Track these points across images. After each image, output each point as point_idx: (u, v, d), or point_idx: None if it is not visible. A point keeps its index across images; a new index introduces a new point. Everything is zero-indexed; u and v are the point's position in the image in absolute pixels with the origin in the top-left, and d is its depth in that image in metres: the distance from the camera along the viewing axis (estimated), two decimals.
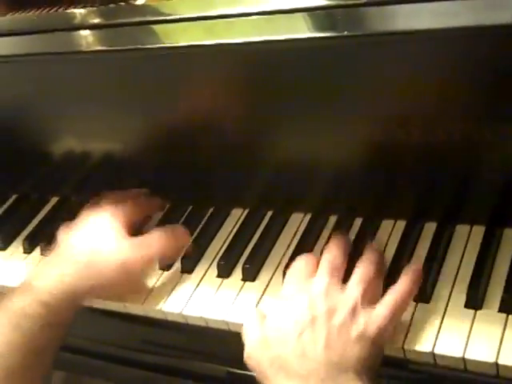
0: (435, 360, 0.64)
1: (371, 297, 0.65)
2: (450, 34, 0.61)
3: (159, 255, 0.79)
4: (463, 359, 0.62)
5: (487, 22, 0.59)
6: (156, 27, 0.78)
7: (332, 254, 0.70)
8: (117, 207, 0.82)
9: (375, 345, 0.62)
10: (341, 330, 0.62)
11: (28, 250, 0.93)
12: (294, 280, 0.70)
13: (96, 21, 0.83)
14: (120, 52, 0.78)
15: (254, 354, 0.65)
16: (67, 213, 0.97)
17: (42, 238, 0.92)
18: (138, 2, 0.91)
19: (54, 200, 1.03)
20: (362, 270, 0.68)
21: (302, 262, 0.71)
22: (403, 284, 0.66)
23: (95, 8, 0.95)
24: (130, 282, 0.78)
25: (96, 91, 0.85)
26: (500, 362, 0.61)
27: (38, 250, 0.93)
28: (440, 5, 0.61)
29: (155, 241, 0.79)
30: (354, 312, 0.63)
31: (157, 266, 0.82)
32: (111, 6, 0.94)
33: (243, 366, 0.74)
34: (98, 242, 0.78)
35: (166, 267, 0.82)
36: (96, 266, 0.76)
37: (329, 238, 0.79)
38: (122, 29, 0.79)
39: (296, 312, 0.64)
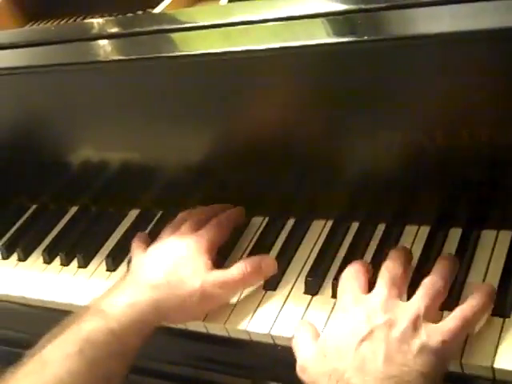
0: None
1: (435, 314, 0.63)
2: (471, 37, 0.60)
3: (242, 288, 0.76)
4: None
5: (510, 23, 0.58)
6: (174, 35, 0.78)
7: (392, 265, 0.68)
8: (202, 235, 0.79)
9: (438, 359, 0.59)
10: (401, 342, 0.59)
11: (48, 260, 0.93)
12: (348, 291, 0.67)
13: (114, 30, 0.82)
14: (139, 61, 0.77)
15: (309, 367, 0.63)
16: (87, 223, 0.98)
17: (62, 248, 0.92)
18: (155, 11, 0.91)
19: (73, 210, 1.02)
20: (431, 282, 0.65)
21: (353, 271, 0.69)
22: (475, 300, 0.63)
23: (113, 18, 0.96)
24: (208, 309, 0.75)
25: (116, 101, 0.85)
26: None
27: (58, 260, 0.92)
28: (460, 7, 0.61)
29: (240, 276, 0.74)
30: (415, 324, 0.60)
31: None
32: (129, 15, 0.95)
33: None
34: (179, 270, 0.74)
35: None
36: (173, 295, 0.72)
37: (350, 245, 0.78)
38: (140, 37, 0.79)
39: (353, 324, 0.62)
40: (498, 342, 0.62)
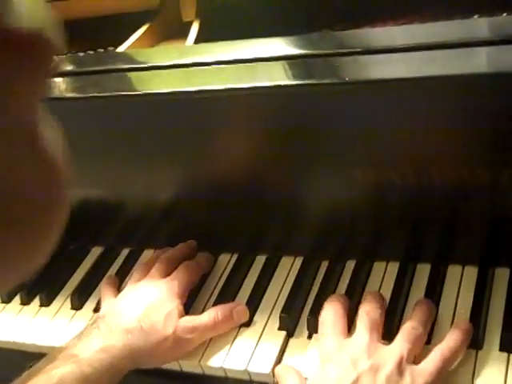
0: None
1: (416, 356, 0.64)
2: (422, 83, 0.64)
3: (213, 334, 0.76)
4: None
5: (458, 71, 0.62)
6: (131, 74, 0.78)
7: (370, 309, 0.69)
8: (173, 279, 0.79)
9: None
10: None
11: (6, 300, 0.90)
12: (330, 337, 0.68)
13: (69, 68, 0.82)
14: (93, 99, 0.78)
15: None
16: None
17: (22, 287, 0.89)
18: (119, 49, 0.91)
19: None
20: (411, 326, 0.66)
21: (332, 314, 0.70)
22: (451, 339, 0.65)
23: (69, 55, 0.95)
24: (180, 354, 0.75)
25: (73, 138, 0.84)
26: None
27: (17, 299, 0.90)
28: (413, 54, 0.64)
29: (211, 323, 0.75)
30: (399, 368, 0.61)
31: None
32: (89, 52, 0.96)
33: None
34: (152, 315, 0.74)
35: None
36: (146, 340, 0.72)
37: (322, 281, 0.79)
38: (97, 76, 0.79)
39: (340, 372, 0.63)
40: (474, 374, 0.64)
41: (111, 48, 0.96)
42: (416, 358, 0.65)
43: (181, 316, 0.75)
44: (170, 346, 0.73)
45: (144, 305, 0.75)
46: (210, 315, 0.75)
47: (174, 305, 0.76)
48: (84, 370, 0.68)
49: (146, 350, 0.72)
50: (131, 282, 0.82)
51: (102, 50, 0.98)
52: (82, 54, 0.96)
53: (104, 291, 0.83)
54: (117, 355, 0.70)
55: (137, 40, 0.93)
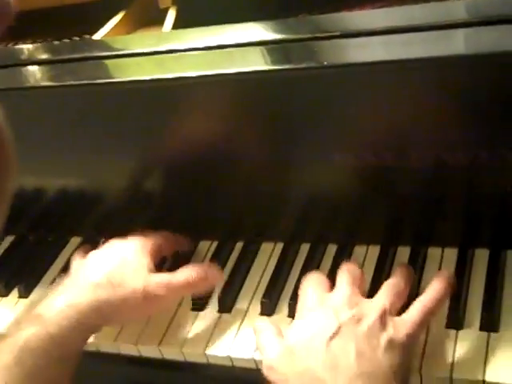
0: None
1: (399, 311, 0.65)
2: (403, 66, 0.64)
3: (186, 292, 0.76)
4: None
5: (437, 53, 0.62)
6: (107, 62, 0.78)
7: (349, 266, 0.70)
8: (147, 238, 0.78)
9: (405, 352, 0.60)
10: (370, 336, 0.60)
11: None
12: (311, 293, 0.68)
13: (45, 56, 0.82)
14: (69, 87, 0.77)
15: (276, 365, 0.62)
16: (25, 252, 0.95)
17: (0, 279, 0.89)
18: (95, 37, 0.91)
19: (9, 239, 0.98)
20: (393, 282, 0.67)
21: (315, 276, 0.71)
22: (433, 290, 0.65)
23: (44, 43, 0.94)
24: (151, 311, 0.74)
25: (50, 127, 0.84)
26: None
27: None
28: (391, 37, 0.65)
29: (184, 281, 0.73)
30: (381, 319, 0.62)
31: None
32: (64, 41, 0.94)
33: None
34: (121, 269, 0.72)
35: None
36: (115, 295, 0.70)
37: (303, 266, 0.79)
38: (73, 64, 0.79)
39: (321, 322, 0.63)
40: (454, 354, 0.65)
41: (87, 36, 0.95)
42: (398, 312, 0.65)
43: (152, 271, 0.74)
44: (139, 302, 0.71)
45: (114, 260, 0.74)
46: (183, 273, 0.74)
47: (145, 260, 0.74)
48: (50, 330, 0.66)
49: (114, 304, 0.70)
50: (105, 244, 0.80)
51: (78, 39, 0.97)
52: (57, 43, 0.95)
53: (74, 255, 0.82)
54: (83, 310, 0.68)
55: (113, 28, 0.92)
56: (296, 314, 0.68)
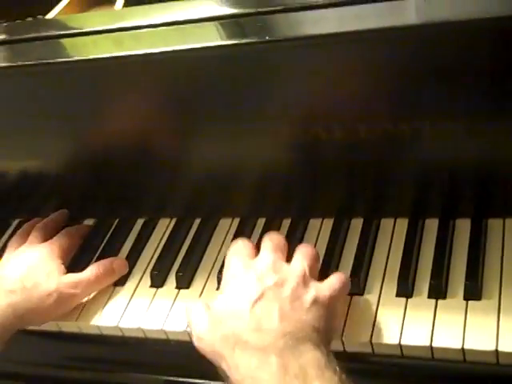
0: (373, 349, 0.67)
1: (315, 275, 0.67)
2: (355, 37, 0.64)
3: (97, 287, 0.80)
4: (400, 345, 0.65)
5: (388, 24, 0.63)
6: (64, 41, 0.77)
7: (272, 235, 0.72)
8: (53, 242, 0.83)
9: (328, 313, 0.63)
10: (293, 299, 0.62)
11: None
12: (236, 260, 0.70)
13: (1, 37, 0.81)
14: (26, 67, 0.76)
15: (204, 335, 0.64)
16: None
17: None
18: (48, 16, 0.90)
19: None
20: (305, 249, 0.70)
21: (240, 243, 0.72)
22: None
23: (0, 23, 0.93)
24: (65, 309, 0.78)
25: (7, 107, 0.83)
26: (434, 345, 0.64)
27: None
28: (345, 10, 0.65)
29: (93, 277, 0.79)
30: (303, 281, 0.64)
31: None
32: (18, 21, 0.94)
33: (180, 374, 0.77)
34: (34, 274, 0.77)
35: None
36: (30, 298, 0.75)
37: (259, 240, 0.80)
38: (27, 44, 0.78)
39: (245, 287, 0.65)
40: (403, 321, 0.67)
41: (40, 16, 0.94)
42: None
43: (62, 273, 0.79)
44: (53, 302, 0.76)
45: (25, 266, 0.79)
46: (91, 270, 0.80)
47: (55, 263, 0.80)
48: None
49: (30, 308, 0.75)
50: (9, 251, 0.85)
51: (31, 19, 0.96)
52: (12, 23, 0.94)
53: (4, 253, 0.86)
54: (1, 315, 0.73)
55: (65, 7, 0.91)
56: (221, 282, 0.70)
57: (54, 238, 0.84)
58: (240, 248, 0.72)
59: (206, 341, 0.63)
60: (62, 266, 0.80)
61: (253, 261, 0.69)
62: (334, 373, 0.56)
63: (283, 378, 0.56)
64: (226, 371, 0.60)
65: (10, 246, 0.86)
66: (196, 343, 0.65)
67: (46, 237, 0.85)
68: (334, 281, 0.66)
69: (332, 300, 0.64)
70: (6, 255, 0.84)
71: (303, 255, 0.68)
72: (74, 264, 0.83)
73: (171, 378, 0.79)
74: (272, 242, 0.71)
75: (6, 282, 0.76)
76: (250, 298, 0.63)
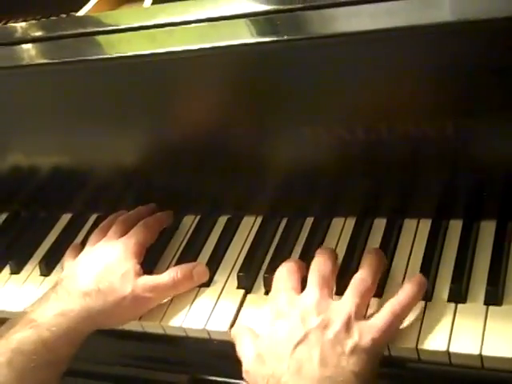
0: (389, 352, 0.66)
1: (362, 312, 0.65)
2: (387, 35, 0.63)
3: (173, 292, 0.77)
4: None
5: (422, 21, 0.61)
6: (98, 38, 0.78)
7: (320, 264, 0.70)
8: (129, 238, 0.80)
9: (370, 357, 0.61)
10: (335, 343, 0.61)
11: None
12: (282, 293, 0.69)
13: (37, 34, 0.82)
14: (63, 64, 0.77)
15: (250, 369, 0.64)
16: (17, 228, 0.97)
17: None
18: (79, 14, 0.91)
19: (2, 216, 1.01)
20: (360, 278, 0.67)
21: (285, 272, 0.71)
22: (403, 294, 0.65)
23: (36, 21, 0.95)
24: (139, 313, 0.77)
25: (42, 104, 0.85)
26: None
27: None
28: (377, 6, 0.63)
29: (170, 282, 0.76)
30: (347, 325, 0.62)
31: None
32: (52, 18, 0.95)
33: None
34: (109, 276, 0.75)
35: None
36: (104, 301, 0.73)
37: (280, 238, 0.80)
38: (65, 41, 0.79)
39: (289, 328, 0.64)
40: (421, 324, 0.65)
41: (72, 13, 0.95)
42: (366, 310, 0.67)
43: (138, 275, 0.76)
44: (128, 306, 0.74)
45: (100, 266, 0.76)
46: (169, 274, 0.76)
47: (130, 264, 0.77)
48: (42, 334, 0.69)
49: (104, 311, 0.73)
50: (88, 246, 0.83)
51: (65, 16, 0.97)
52: (46, 20, 0.95)
53: (66, 257, 0.85)
54: (75, 318, 0.72)
55: (95, 4, 0.92)
56: (268, 314, 0.69)
57: (131, 231, 0.81)
58: (286, 277, 0.70)
59: (251, 375, 0.64)
60: (138, 266, 0.77)
61: (298, 297, 0.67)
62: None
63: None
64: None
65: (90, 240, 0.84)
66: (244, 375, 0.65)
67: (126, 231, 0.82)
68: (382, 320, 0.63)
69: (376, 343, 0.62)
70: (84, 251, 0.82)
71: (355, 291, 0.66)
72: (151, 258, 0.82)
73: None
74: (319, 273, 0.69)
75: (81, 283, 0.75)
76: (293, 341, 0.62)
